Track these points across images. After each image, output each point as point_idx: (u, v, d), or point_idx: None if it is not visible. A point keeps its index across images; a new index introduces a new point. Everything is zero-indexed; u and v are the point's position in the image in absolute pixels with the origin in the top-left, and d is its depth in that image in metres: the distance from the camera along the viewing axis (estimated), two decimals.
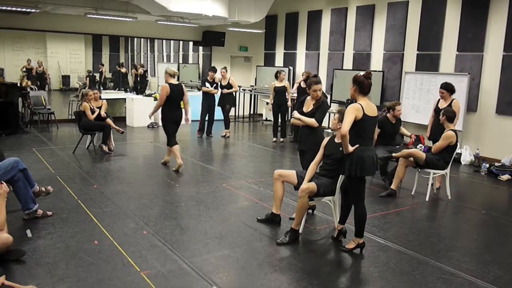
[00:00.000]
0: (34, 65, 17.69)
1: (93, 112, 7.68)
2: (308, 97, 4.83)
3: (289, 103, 9.53)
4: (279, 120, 9.66)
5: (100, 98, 8.05)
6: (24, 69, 16.85)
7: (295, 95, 9.51)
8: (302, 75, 9.34)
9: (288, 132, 10.10)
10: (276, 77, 9.40)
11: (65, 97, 17.37)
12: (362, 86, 3.84)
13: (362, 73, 3.89)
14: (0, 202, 3.65)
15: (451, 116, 5.68)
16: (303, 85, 9.13)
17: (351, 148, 3.84)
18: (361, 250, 4.11)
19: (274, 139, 9.73)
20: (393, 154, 6.05)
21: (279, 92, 9.47)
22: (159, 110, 7.00)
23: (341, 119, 4.14)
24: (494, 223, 5.22)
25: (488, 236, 4.84)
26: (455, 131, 5.66)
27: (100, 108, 7.82)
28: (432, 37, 9.05)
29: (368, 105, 3.84)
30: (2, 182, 3.80)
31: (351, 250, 4.09)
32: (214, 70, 9.81)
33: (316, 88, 4.66)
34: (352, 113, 3.76)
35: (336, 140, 4.32)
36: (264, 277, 3.56)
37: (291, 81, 12.21)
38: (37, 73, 17.47)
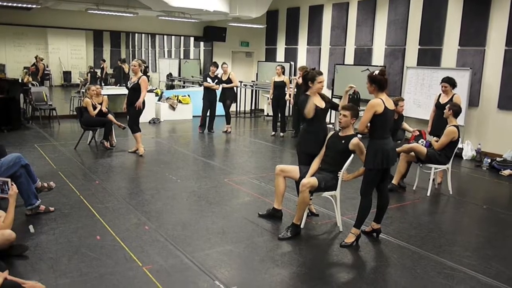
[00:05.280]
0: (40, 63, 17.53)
1: (94, 108, 7.69)
2: (309, 93, 4.50)
3: (287, 97, 9.55)
4: (279, 115, 9.68)
5: (101, 93, 8.06)
6: (30, 71, 16.56)
7: (295, 90, 9.49)
8: (299, 70, 9.25)
9: (289, 127, 10.10)
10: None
11: (66, 93, 17.36)
12: (381, 83, 4.00)
13: (376, 72, 4.02)
14: (10, 202, 3.68)
15: (458, 111, 5.67)
16: (299, 82, 9.09)
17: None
18: (357, 241, 4.15)
19: (273, 133, 9.78)
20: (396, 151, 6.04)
21: (278, 87, 9.51)
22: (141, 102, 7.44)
23: (353, 115, 4.27)
24: (496, 218, 5.22)
25: (490, 231, 4.84)
26: (457, 126, 5.65)
27: (101, 104, 7.83)
28: (434, 31, 9.02)
29: (387, 99, 4.01)
30: (13, 183, 3.82)
31: (351, 244, 4.10)
32: (215, 65, 9.80)
33: (321, 79, 4.50)
34: (371, 110, 3.91)
35: (341, 134, 4.34)
36: (265, 272, 3.57)
37: (293, 77, 12.19)
38: (42, 71, 17.31)
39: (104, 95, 8.21)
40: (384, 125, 4.01)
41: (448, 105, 5.79)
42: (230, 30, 12.90)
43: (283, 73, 9.66)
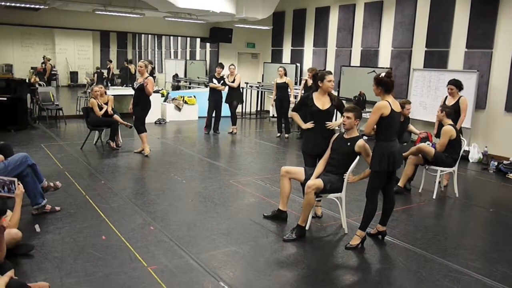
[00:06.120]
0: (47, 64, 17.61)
1: (100, 108, 7.71)
2: (316, 93, 4.64)
3: (291, 99, 9.57)
4: (282, 116, 9.69)
5: (105, 93, 8.08)
6: (36, 72, 16.64)
7: (303, 91, 9.49)
8: (308, 71, 9.26)
9: (295, 128, 10.09)
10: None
11: (73, 93, 17.46)
12: (387, 86, 3.99)
13: (383, 74, 4.00)
14: (17, 202, 3.71)
15: (450, 112, 5.74)
16: (309, 81, 9.09)
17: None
18: (362, 243, 4.14)
19: (278, 134, 9.80)
20: (402, 154, 6.01)
21: (281, 88, 9.53)
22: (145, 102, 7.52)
23: (357, 116, 4.26)
24: (502, 221, 5.18)
25: (496, 234, 4.81)
26: (452, 125, 5.65)
27: (107, 103, 7.85)
28: (441, 33, 8.98)
29: (393, 102, 4.00)
30: (19, 182, 3.85)
31: (356, 247, 4.09)
32: (221, 66, 9.82)
33: (331, 78, 4.57)
34: (377, 113, 3.90)
35: (346, 136, 4.33)
36: (270, 273, 3.57)
37: (299, 78, 12.20)
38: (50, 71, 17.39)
39: (110, 95, 8.24)
40: (391, 127, 4.00)
41: (440, 107, 5.82)
42: (236, 31, 12.91)
43: (285, 74, 9.65)
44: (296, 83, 12.04)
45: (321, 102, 4.60)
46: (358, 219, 4.31)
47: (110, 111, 7.81)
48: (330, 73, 4.67)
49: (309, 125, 4.63)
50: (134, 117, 7.55)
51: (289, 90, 9.57)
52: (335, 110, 4.74)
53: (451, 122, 5.70)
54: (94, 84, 12.69)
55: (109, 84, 16.39)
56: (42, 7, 9.66)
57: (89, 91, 10.99)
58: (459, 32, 8.69)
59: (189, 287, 3.32)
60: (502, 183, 6.89)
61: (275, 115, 10.19)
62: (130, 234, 4.19)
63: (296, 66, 12.34)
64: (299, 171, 4.53)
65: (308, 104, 4.63)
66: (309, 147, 4.68)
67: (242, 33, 13.11)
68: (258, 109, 13.04)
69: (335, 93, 5.29)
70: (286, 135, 9.73)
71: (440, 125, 6.28)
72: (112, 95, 8.44)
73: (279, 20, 13.06)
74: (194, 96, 11.96)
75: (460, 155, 5.78)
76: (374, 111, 3.93)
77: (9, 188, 3.80)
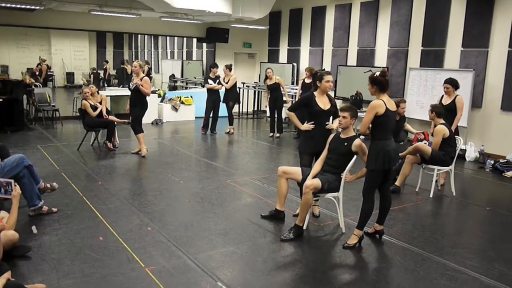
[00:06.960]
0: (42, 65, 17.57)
1: (95, 109, 7.67)
2: (316, 93, 4.66)
3: (285, 98, 9.59)
4: (276, 116, 9.70)
5: (98, 92, 8.04)
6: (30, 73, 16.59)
7: (300, 91, 9.50)
8: (306, 71, 9.34)
9: (292, 128, 10.08)
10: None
11: (69, 94, 17.42)
12: (382, 85, 4.00)
13: (377, 73, 4.01)
14: (14, 203, 3.70)
15: (440, 111, 5.75)
16: (307, 80, 9.14)
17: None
18: (360, 242, 4.14)
19: (271, 134, 9.80)
20: (400, 154, 6.01)
21: (273, 90, 9.56)
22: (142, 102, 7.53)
23: (353, 115, 4.26)
24: (499, 220, 5.20)
25: (493, 232, 4.83)
26: (445, 124, 5.67)
27: (100, 102, 7.80)
28: (437, 33, 9.01)
29: (388, 101, 4.00)
30: (16, 184, 3.83)
31: (354, 246, 4.10)
32: (216, 66, 9.83)
33: (329, 78, 4.59)
34: (372, 112, 3.91)
35: (342, 135, 4.33)
36: (268, 273, 3.57)
37: (295, 78, 12.21)
38: (45, 72, 17.37)
39: (104, 95, 8.20)
40: (386, 126, 4.01)
41: (430, 107, 5.84)
42: (233, 31, 12.91)
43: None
44: (292, 83, 12.06)
45: (322, 102, 4.63)
46: (356, 219, 4.32)
47: (105, 114, 7.76)
48: (329, 73, 4.70)
49: (308, 126, 4.62)
50: (131, 117, 7.54)
51: (281, 89, 9.58)
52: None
53: (443, 121, 5.71)
54: (91, 84, 12.66)
55: (106, 85, 16.38)
56: (37, 7, 9.63)
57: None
58: (455, 31, 8.71)
59: None
60: (499, 181, 6.91)
61: None
62: (127, 235, 4.19)
63: (293, 66, 12.35)
64: (296, 171, 4.53)
65: (310, 104, 4.61)
66: (309, 147, 4.68)
67: (239, 33, 13.11)
68: (255, 109, 13.04)
69: (332, 93, 5.35)
70: (278, 134, 9.73)
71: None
72: (107, 96, 8.40)
73: (276, 20, 13.07)
74: (191, 96, 11.95)
75: (457, 153, 5.80)
76: (369, 110, 3.93)
77: (5, 190, 3.80)
